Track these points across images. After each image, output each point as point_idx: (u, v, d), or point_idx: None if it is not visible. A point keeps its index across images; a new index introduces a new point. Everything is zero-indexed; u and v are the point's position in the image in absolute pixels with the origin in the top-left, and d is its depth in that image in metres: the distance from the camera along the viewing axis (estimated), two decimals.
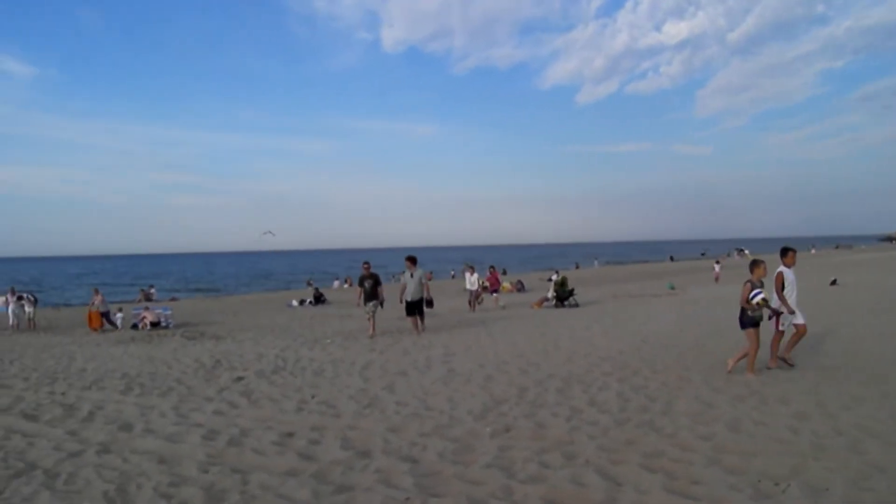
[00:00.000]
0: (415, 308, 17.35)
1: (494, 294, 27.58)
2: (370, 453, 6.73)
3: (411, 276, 17.45)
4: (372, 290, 17.54)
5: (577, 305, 25.08)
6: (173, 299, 46.03)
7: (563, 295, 25.52)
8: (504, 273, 27.17)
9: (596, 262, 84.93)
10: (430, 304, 17.57)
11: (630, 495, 5.36)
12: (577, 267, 66.69)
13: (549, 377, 10.48)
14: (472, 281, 26.10)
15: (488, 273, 28.89)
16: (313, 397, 9.67)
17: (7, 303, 27.23)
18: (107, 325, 24.65)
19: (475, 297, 25.74)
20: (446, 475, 6.00)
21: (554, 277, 32.66)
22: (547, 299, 26.23)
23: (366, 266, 18.08)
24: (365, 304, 17.55)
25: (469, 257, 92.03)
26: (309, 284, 47.92)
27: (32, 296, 27.40)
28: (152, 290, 48.76)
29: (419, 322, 17.45)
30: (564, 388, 9.56)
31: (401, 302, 17.67)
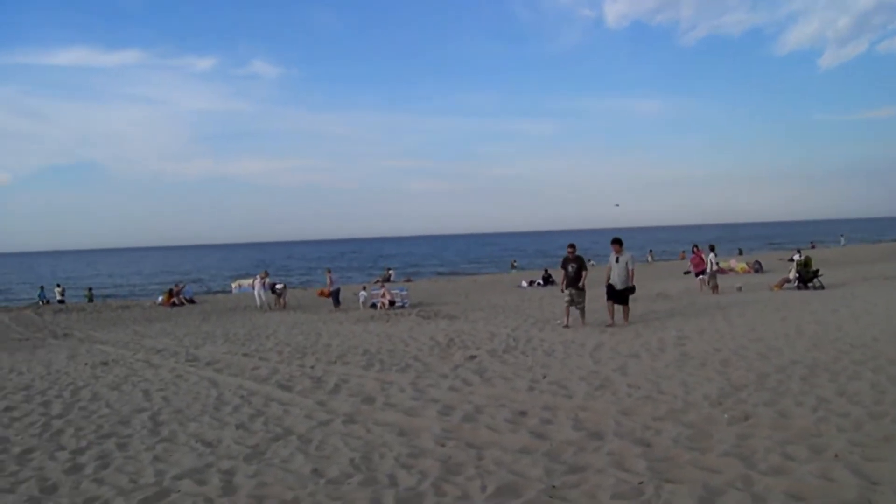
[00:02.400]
0: (617, 295, 15.71)
1: (700, 277, 25.69)
2: (602, 435, 6.70)
3: (616, 260, 15.78)
4: (576, 274, 15.91)
5: (822, 287, 23.23)
6: (409, 280, 48.23)
7: (807, 276, 23.76)
8: (712, 250, 25.40)
9: (843, 240, 78.17)
10: (632, 290, 15.83)
11: (889, 497, 4.86)
12: (813, 246, 61.71)
13: (792, 364, 9.82)
14: (708, 261, 24.97)
15: (691, 253, 26.99)
16: (544, 377, 9.77)
17: (254, 285, 30.10)
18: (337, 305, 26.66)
19: (711, 278, 24.62)
20: (681, 461, 5.83)
21: (796, 257, 30.54)
22: (788, 280, 24.55)
23: (571, 248, 16.58)
24: (566, 287, 16.07)
25: (695, 237, 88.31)
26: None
27: (281, 282, 29.95)
28: (390, 272, 51.35)
29: (625, 311, 15.78)
30: (809, 376, 8.91)
31: (606, 284, 15.90)
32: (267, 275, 30.08)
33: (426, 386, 9.65)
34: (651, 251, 65.01)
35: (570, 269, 15.98)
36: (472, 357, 11.95)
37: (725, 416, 7.13)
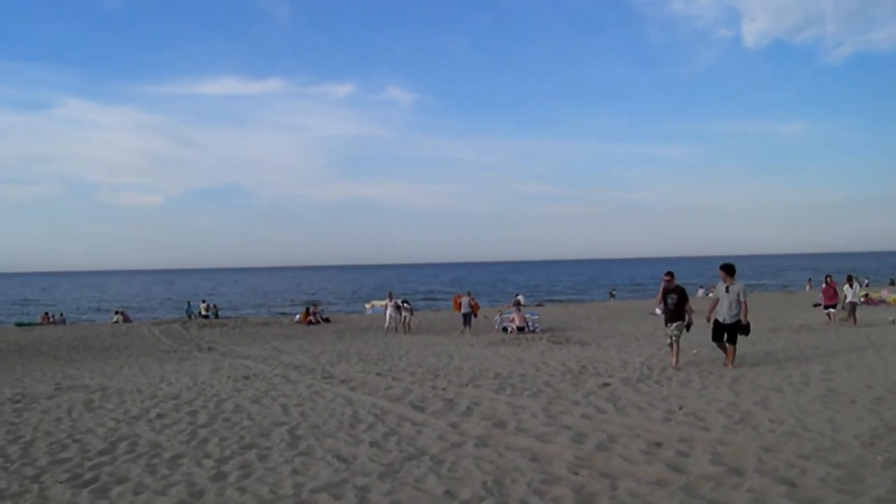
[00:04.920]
0: (724, 332, 13.35)
1: (829, 311, 23.68)
2: (742, 471, 6.43)
3: (726, 290, 13.36)
4: (676, 307, 13.81)
5: None
6: (540, 304, 48.02)
7: None
8: (850, 282, 23.62)
9: None
10: (746, 330, 13.22)
11: None
12: None
13: None
14: (851, 293, 23.55)
15: (823, 284, 24.73)
16: (681, 408, 9.48)
17: (386, 306, 30.67)
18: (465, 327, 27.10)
19: (852, 310, 23.17)
20: None
21: None
22: None
23: (668, 277, 14.32)
24: (666, 324, 14.02)
25: (834, 266, 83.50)
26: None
27: (408, 303, 30.37)
28: (519, 297, 51.25)
29: (730, 353, 13.37)
30: None
31: (708, 321, 13.64)
32: (392, 297, 30.66)
33: (558, 412, 9.56)
34: (810, 280, 62.06)
35: (669, 301, 13.95)
36: (606, 385, 11.75)
37: (879, 458, 6.70)
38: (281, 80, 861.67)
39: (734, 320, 13.15)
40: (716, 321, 13.40)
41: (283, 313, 47.38)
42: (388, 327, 28.58)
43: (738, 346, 13.47)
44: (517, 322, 25.75)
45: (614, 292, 60.87)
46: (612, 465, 6.84)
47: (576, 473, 6.60)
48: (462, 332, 26.85)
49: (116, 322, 39.68)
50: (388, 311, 29.40)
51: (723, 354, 13.62)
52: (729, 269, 13.50)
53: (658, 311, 32.91)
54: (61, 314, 45.54)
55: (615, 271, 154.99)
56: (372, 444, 8.17)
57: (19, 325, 40.62)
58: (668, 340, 13.99)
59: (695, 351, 15.15)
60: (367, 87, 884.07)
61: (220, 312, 44.03)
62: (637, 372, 13.12)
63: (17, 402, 12.49)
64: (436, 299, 67.33)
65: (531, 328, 25.68)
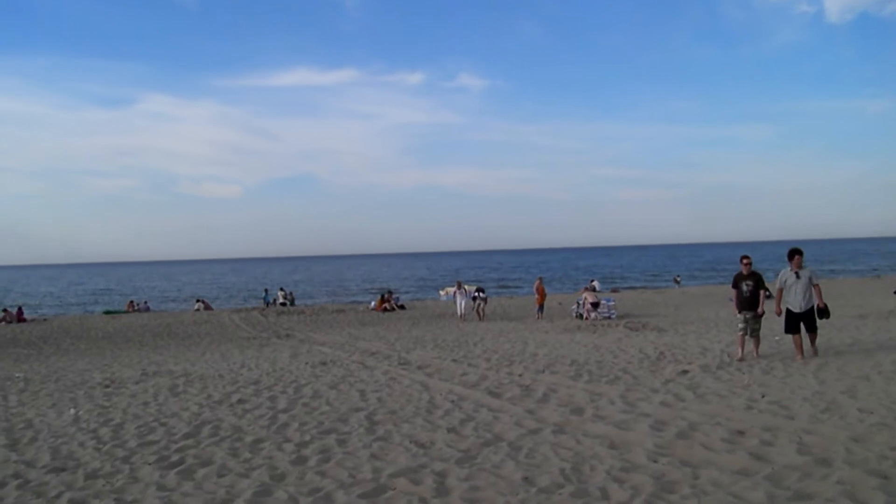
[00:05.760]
0: (800, 321, 12.48)
1: None
2: (830, 462, 6.21)
3: (797, 276, 12.45)
4: (751, 294, 12.95)
5: None
6: (615, 290, 47.45)
7: None
8: None
9: None
10: (824, 313, 12.43)
11: None
12: None
13: None
14: None
15: None
16: (763, 396, 9.24)
17: (455, 293, 30.58)
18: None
19: None
20: None
21: None
22: None
23: (745, 262, 13.32)
24: (740, 312, 13.06)
25: None
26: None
27: (482, 291, 30.23)
28: (594, 283, 50.73)
29: (812, 340, 12.61)
30: None
31: (778, 314, 12.97)
32: (461, 285, 30.52)
33: (636, 399, 9.43)
34: None
35: (744, 287, 13.06)
36: (685, 372, 11.54)
37: None
38: (353, 69, 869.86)
39: (809, 307, 12.41)
40: (788, 311, 12.59)
41: (356, 301, 47.93)
42: (459, 315, 28.49)
43: (820, 332, 12.87)
44: (590, 299, 25.55)
45: (679, 278, 59.48)
46: (692, 454, 6.71)
47: (655, 461, 6.50)
48: (537, 318, 26.73)
49: (198, 310, 40.79)
50: (458, 299, 29.34)
51: (795, 349, 12.67)
52: (798, 254, 12.67)
53: (731, 298, 32.23)
54: (145, 302, 47.01)
55: (692, 256, 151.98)
56: (449, 430, 8.21)
57: (107, 312, 42.13)
58: (739, 330, 13.08)
59: (777, 338, 14.64)
60: (438, 74, 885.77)
61: (294, 300, 44.90)
62: (717, 359, 12.85)
63: (107, 386, 12.98)
64: (509, 286, 67.10)
65: (607, 314, 25.40)
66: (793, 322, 12.52)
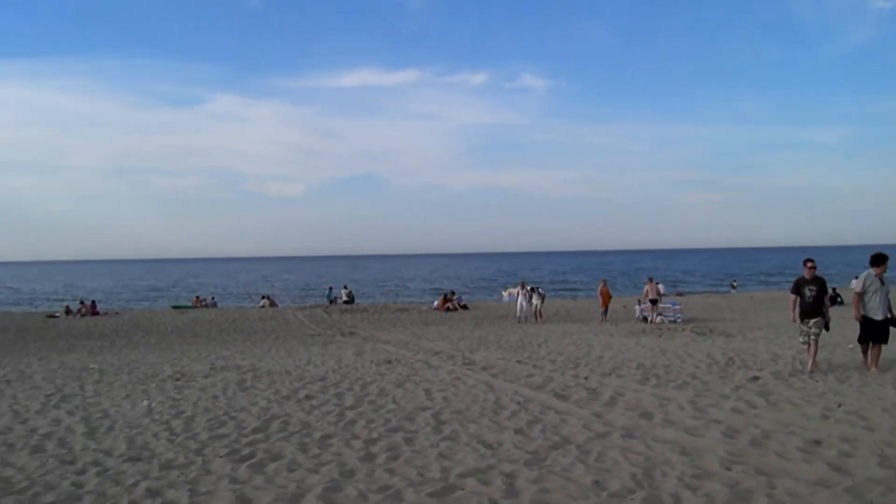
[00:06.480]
0: (878, 330, 11.65)
1: None
2: None
3: (881, 283, 11.67)
4: (815, 301, 11.95)
5: None
6: (680, 294, 46.68)
7: None
8: None
9: None
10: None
11: None
12: None
13: None
14: None
15: None
16: (839, 405, 8.95)
17: (517, 294, 30.43)
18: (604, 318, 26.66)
19: None
20: None
21: None
22: None
23: (810, 266, 12.16)
24: (802, 319, 12.12)
25: None
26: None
27: (540, 290, 30.06)
28: (659, 286, 50.01)
29: (875, 353, 11.79)
30: None
31: (857, 318, 11.86)
32: (524, 285, 30.37)
33: (706, 405, 9.24)
34: None
35: (807, 293, 12.03)
36: (755, 378, 11.28)
37: None
38: (416, 70, 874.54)
39: (884, 315, 11.57)
40: (867, 319, 11.71)
41: (416, 301, 48.13)
42: (518, 316, 28.35)
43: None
44: (650, 294, 25.31)
45: (735, 283, 58.27)
46: (767, 462, 6.55)
47: (729, 469, 6.36)
48: (601, 321, 26.49)
49: (263, 306, 41.49)
50: (519, 300, 29.22)
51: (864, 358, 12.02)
52: (882, 260, 11.75)
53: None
54: (212, 297, 48.00)
55: (758, 260, 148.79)
56: (516, 432, 8.17)
57: (175, 307, 43.20)
58: (804, 339, 12.23)
59: (851, 346, 14.18)
60: (501, 74, 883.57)
61: (356, 298, 45.23)
62: (789, 366, 12.53)
63: (178, 379, 13.30)
64: (572, 289, 66.62)
65: (673, 318, 25.05)
66: (870, 330, 11.74)
